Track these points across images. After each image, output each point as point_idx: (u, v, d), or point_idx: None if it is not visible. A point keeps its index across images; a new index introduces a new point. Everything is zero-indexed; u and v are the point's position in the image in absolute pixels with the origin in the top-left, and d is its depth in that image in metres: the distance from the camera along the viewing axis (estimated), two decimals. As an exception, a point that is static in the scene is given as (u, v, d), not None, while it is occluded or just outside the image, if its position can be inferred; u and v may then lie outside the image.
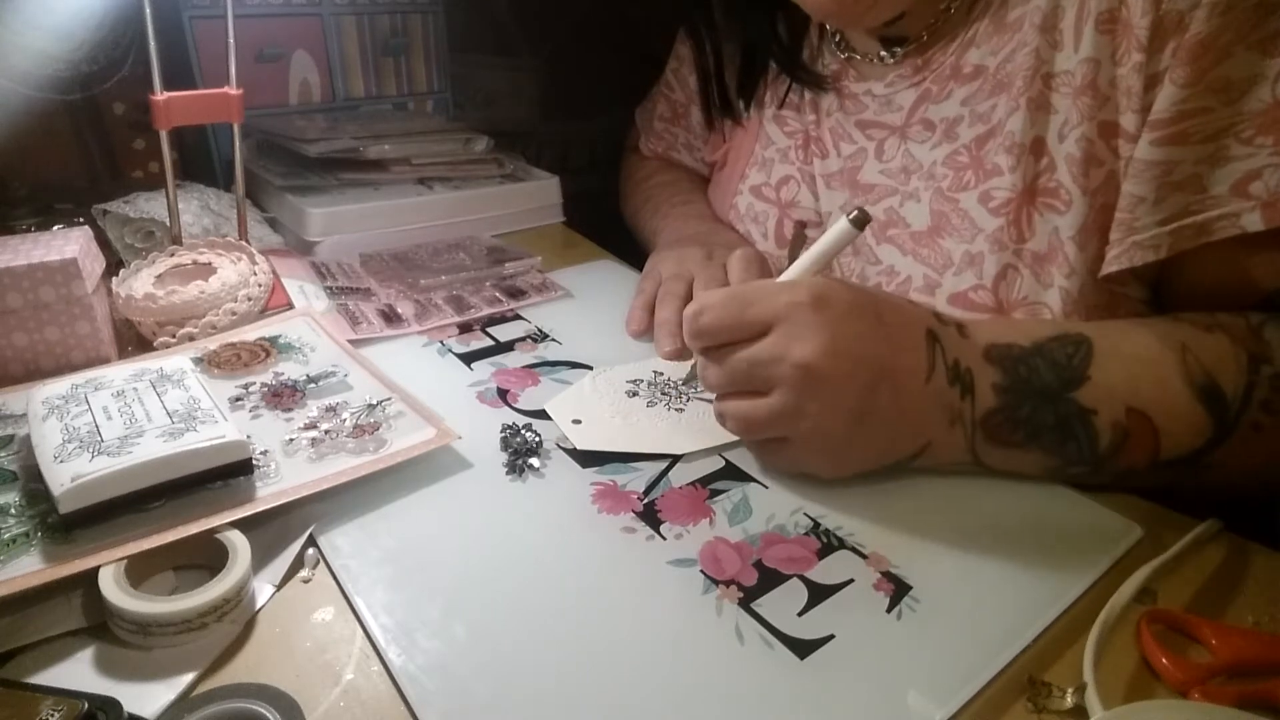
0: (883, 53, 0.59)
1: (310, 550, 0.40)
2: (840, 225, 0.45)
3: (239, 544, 0.37)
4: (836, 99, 0.62)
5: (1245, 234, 0.43)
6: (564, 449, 0.48)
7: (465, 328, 0.62)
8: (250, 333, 0.58)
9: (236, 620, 0.36)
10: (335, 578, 0.38)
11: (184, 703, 0.32)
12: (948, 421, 0.43)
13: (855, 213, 0.44)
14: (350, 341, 0.58)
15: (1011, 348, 0.44)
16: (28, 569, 0.35)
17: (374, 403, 0.49)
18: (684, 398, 0.53)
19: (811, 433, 0.42)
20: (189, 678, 0.33)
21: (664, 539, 0.41)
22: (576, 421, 0.50)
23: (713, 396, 0.47)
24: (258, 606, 0.37)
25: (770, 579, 0.39)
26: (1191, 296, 0.48)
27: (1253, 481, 0.45)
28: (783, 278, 0.47)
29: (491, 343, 0.60)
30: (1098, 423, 0.42)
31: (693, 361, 0.53)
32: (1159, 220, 0.45)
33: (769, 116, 0.68)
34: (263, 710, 0.31)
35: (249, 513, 0.39)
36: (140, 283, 0.59)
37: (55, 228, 0.65)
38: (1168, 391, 0.43)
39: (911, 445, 0.44)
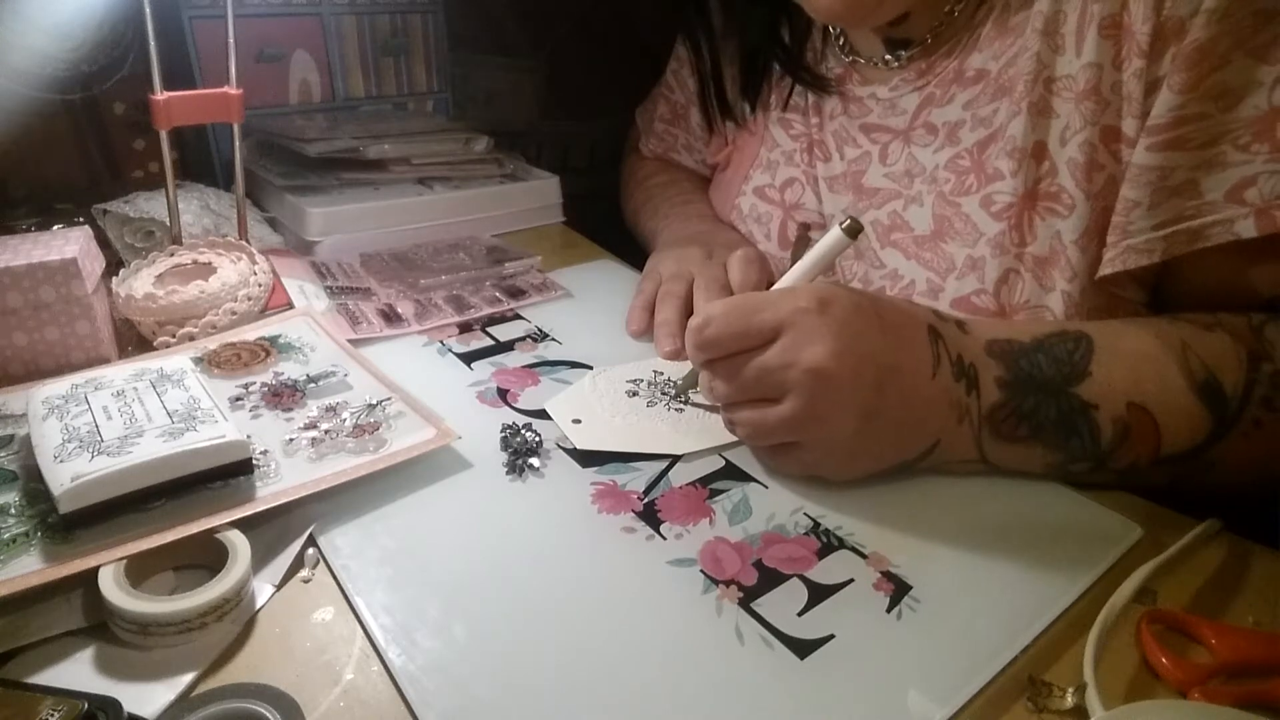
0: (887, 56, 0.58)
1: (310, 550, 0.40)
2: (833, 234, 0.46)
3: (239, 544, 0.37)
4: (840, 102, 0.62)
5: (1241, 241, 0.43)
6: (564, 449, 0.48)
7: (465, 327, 0.62)
8: (250, 332, 0.58)
9: (236, 620, 0.36)
10: (335, 578, 0.38)
11: (184, 703, 0.32)
12: (955, 418, 0.43)
13: (847, 222, 0.45)
14: (350, 341, 0.58)
15: (1012, 343, 0.44)
16: (28, 569, 0.35)
17: (374, 403, 0.49)
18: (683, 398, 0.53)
19: (825, 436, 0.42)
20: (189, 678, 0.33)
21: (664, 539, 0.41)
22: (576, 421, 0.50)
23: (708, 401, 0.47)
24: (258, 606, 0.37)
25: (770, 579, 0.39)
26: (1190, 301, 0.48)
27: (1254, 477, 0.45)
28: (779, 284, 0.48)
29: (491, 342, 0.60)
30: (1099, 418, 0.42)
31: (687, 372, 0.53)
32: (1153, 225, 0.45)
33: (774, 119, 0.68)
34: (263, 710, 0.31)
35: (249, 513, 0.39)
36: (140, 283, 0.59)
37: (55, 228, 0.65)
38: (1168, 387, 0.43)
39: (922, 443, 0.43)
